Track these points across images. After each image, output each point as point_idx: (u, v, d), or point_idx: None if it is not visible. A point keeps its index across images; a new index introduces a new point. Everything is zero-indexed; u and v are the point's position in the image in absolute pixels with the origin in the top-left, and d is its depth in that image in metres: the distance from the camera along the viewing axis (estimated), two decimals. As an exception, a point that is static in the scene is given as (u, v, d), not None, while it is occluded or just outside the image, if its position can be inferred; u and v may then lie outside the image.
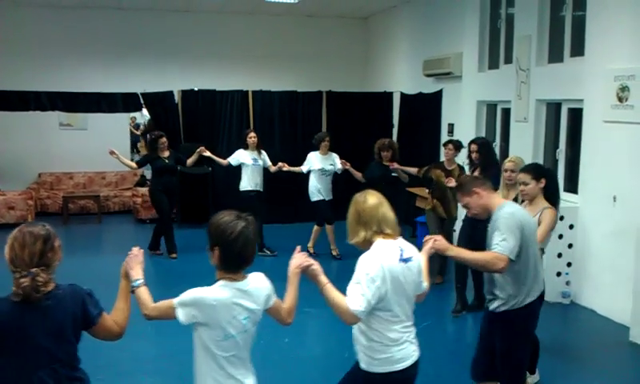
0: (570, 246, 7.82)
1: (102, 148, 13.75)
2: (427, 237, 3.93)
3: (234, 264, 3.02)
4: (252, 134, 9.86)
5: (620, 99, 7.07)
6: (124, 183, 14.10)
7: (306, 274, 3.31)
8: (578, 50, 8.00)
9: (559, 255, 7.81)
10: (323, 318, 6.59)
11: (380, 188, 8.42)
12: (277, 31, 14.51)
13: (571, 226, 7.80)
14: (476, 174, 7.31)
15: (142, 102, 12.13)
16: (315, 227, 9.83)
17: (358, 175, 9.33)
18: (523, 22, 8.94)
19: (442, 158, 8.54)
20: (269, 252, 9.70)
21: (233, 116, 12.40)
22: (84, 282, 3.12)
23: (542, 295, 4.38)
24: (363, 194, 3.51)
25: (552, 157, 8.70)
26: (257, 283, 3.11)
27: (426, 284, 3.59)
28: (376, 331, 3.32)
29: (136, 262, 3.28)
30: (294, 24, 14.64)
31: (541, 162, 8.78)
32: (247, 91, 12.48)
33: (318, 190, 9.71)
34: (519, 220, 3.97)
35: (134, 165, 10.07)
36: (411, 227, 10.84)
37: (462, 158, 8.39)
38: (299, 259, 3.32)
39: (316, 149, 9.81)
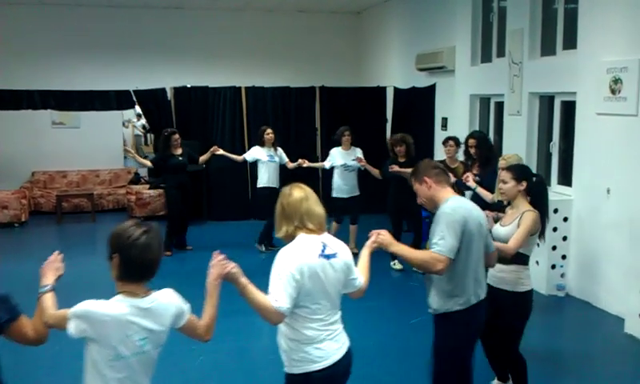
0: (565, 238, 7.84)
1: (96, 146, 13.86)
2: (372, 231, 3.76)
3: (134, 273, 2.79)
4: (268, 130, 9.81)
5: (613, 91, 7.08)
6: (118, 181, 14.06)
7: (226, 278, 3.11)
8: (571, 42, 8.01)
9: (554, 248, 7.82)
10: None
11: (399, 185, 8.32)
12: (269, 27, 14.49)
13: (565, 219, 7.81)
14: (475, 170, 7.29)
15: (134, 99, 12.11)
16: (334, 224, 9.36)
17: (376, 172, 9.16)
18: (515, 16, 8.94)
19: (444, 156, 8.37)
20: (272, 248, 9.54)
21: (226, 112, 12.39)
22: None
23: (483, 301, 3.99)
24: (290, 187, 3.39)
25: (545, 150, 8.72)
26: (163, 300, 2.88)
27: (361, 280, 3.46)
28: (292, 329, 3.21)
29: (49, 268, 3.05)
30: (286, 19, 14.62)
31: (534, 155, 8.83)
32: (240, 87, 12.47)
33: (339, 186, 9.58)
34: (462, 215, 3.74)
35: (149, 163, 9.95)
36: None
37: (459, 154, 8.38)
38: (218, 268, 3.10)
39: (338, 144, 9.66)
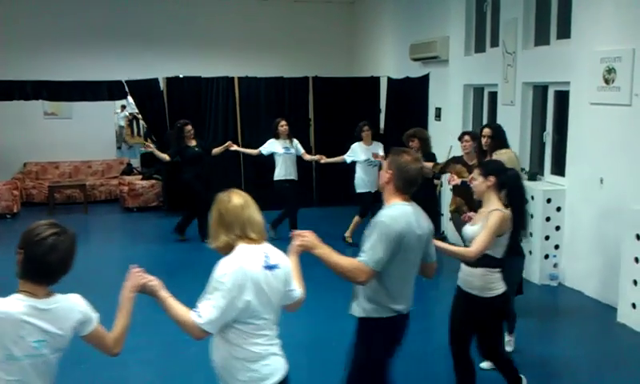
0: (558, 228, 7.85)
1: (88, 137, 13.80)
2: (295, 232, 3.57)
3: (35, 272, 2.67)
4: (282, 122, 9.79)
5: (606, 81, 7.07)
6: (110, 172, 14.00)
7: (143, 290, 3.02)
8: (565, 32, 8.00)
9: (547, 238, 7.84)
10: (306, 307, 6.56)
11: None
12: (262, 17, 14.42)
13: (558, 209, 7.82)
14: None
15: (126, 89, 12.06)
16: (356, 218, 9.46)
17: None
18: (509, 5, 8.91)
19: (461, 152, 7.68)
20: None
21: (219, 103, 12.34)
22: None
23: (406, 316, 3.74)
24: (228, 192, 3.16)
25: (539, 140, 8.72)
26: (65, 304, 2.74)
27: (298, 292, 3.28)
28: (236, 347, 2.99)
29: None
30: (280, 9, 14.55)
31: (528, 145, 8.82)
32: (233, 78, 12.41)
33: (363, 181, 9.52)
34: (399, 228, 3.47)
35: (167, 157, 9.80)
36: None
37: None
38: (134, 279, 3.01)
39: (359, 139, 9.57)
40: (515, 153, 5.78)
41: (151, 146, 9.93)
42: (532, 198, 7.85)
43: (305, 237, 3.50)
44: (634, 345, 6.18)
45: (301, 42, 14.58)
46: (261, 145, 9.98)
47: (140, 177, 13.16)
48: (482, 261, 4.24)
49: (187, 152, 9.62)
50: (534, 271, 7.92)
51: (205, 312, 2.89)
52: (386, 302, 3.60)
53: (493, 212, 4.28)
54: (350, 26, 15.12)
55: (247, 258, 2.99)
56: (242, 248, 3.02)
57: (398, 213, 3.55)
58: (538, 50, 8.54)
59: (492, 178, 4.36)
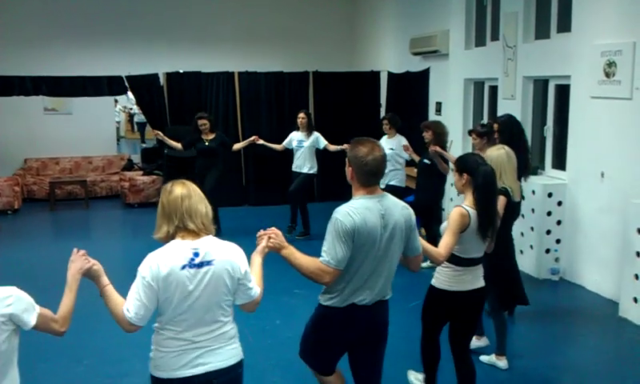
0: (559, 222, 7.84)
1: (88, 132, 13.78)
2: (260, 232, 3.52)
3: None
4: (300, 114, 9.85)
5: (607, 75, 7.06)
6: (111, 168, 13.99)
7: (86, 275, 3.05)
8: (565, 25, 7.98)
9: (548, 232, 7.83)
10: (312, 298, 6.57)
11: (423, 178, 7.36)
12: (262, 11, 14.37)
13: (560, 203, 7.81)
14: None
15: (126, 85, 12.05)
16: None
17: (416, 157, 8.59)
18: (510, -1, 8.89)
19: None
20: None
21: (219, 98, 12.33)
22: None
23: (370, 308, 3.61)
24: (171, 183, 3.15)
25: (540, 134, 8.71)
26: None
27: (257, 290, 3.21)
28: (158, 336, 3.08)
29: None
30: (280, 4, 14.50)
31: (528, 139, 8.77)
32: (233, 72, 12.40)
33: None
34: (352, 224, 3.38)
35: (179, 146, 9.88)
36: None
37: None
38: (79, 263, 3.05)
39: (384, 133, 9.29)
40: (509, 151, 5.38)
41: (160, 133, 9.97)
42: (533, 192, 7.86)
43: (272, 237, 3.49)
44: (636, 339, 6.17)
45: (301, 36, 14.54)
46: (264, 140, 10.06)
47: (141, 172, 13.15)
48: (448, 259, 4.16)
49: (197, 145, 9.70)
50: (535, 266, 7.91)
51: (131, 306, 2.95)
52: (335, 292, 3.55)
53: (453, 210, 4.22)
54: (350, 20, 15.08)
55: (170, 254, 2.99)
56: (172, 244, 3.03)
57: (354, 208, 3.46)
58: (538, 44, 8.51)
59: (465, 176, 4.27)
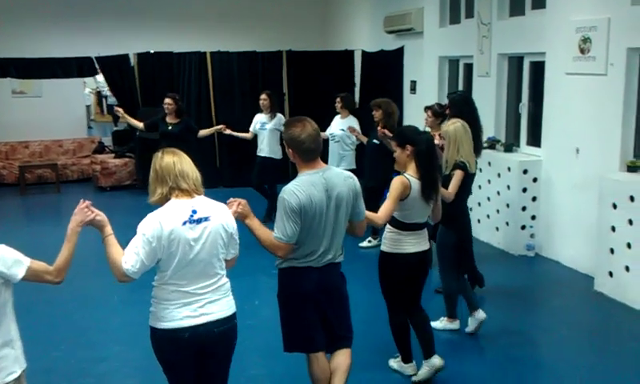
0: (534, 199, 7.87)
1: (58, 115, 13.53)
2: (231, 199, 3.67)
3: None
4: (262, 96, 9.40)
5: (582, 51, 7.06)
6: (82, 151, 13.75)
7: (90, 224, 3.22)
8: (540, 2, 7.97)
9: (523, 208, 7.86)
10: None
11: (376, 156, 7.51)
12: (234, -10, 14.20)
13: (535, 180, 7.84)
14: (437, 140, 6.58)
15: (96, 66, 11.84)
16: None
17: (364, 139, 8.42)
18: (484, -25, 8.85)
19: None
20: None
21: (191, 78, 12.18)
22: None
23: (323, 269, 3.83)
24: (162, 151, 3.40)
25: (515, 111, 8.72)
26: None
27: (233, 250, 3.43)
28: (157, 289, 3.29)
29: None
30: (252, -18, 14.34)
31: (503, 116, 8.81)
32: (205, 53, 12.23)
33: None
34: (298, 200, 3.59)
35: (141, 125, 9.34)
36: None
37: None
38: (81, 215, 3.20)
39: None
40: (464, 123, 5.42)
41: (120, 110, 9.58)
42: (508, 169, 7.88)
43: (241, 205, 3.65)
44: (611, 313, 6.23)
45: (274, 15, 14.37)
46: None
47: (112, 155, 12.96)
48: (391, 222, 4.48)
49: (159, 127, 9.08)
50: (511, 242, 7.95)
51: (129, 258, 3.14)
52: (299, 259, 3.75)
53: (395, 178, 4.43)
54: (323, -2, 14.96)
55: (171, 212, 3.20)
56: (171, 203, 3.25)
57: (299, 185, 3.65)
58: (513, 21, 8.50)
59: (409, 147, 4.45)
